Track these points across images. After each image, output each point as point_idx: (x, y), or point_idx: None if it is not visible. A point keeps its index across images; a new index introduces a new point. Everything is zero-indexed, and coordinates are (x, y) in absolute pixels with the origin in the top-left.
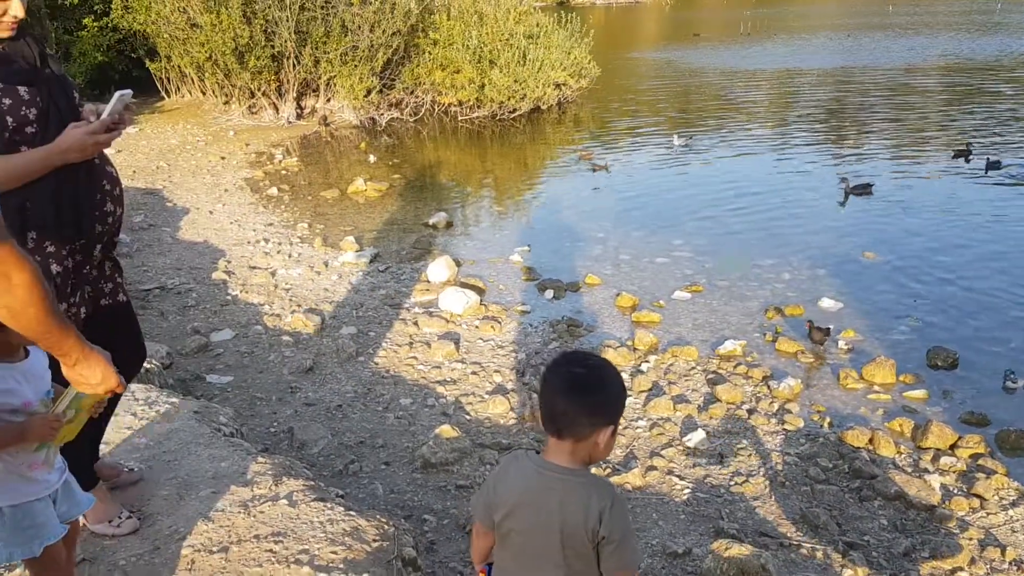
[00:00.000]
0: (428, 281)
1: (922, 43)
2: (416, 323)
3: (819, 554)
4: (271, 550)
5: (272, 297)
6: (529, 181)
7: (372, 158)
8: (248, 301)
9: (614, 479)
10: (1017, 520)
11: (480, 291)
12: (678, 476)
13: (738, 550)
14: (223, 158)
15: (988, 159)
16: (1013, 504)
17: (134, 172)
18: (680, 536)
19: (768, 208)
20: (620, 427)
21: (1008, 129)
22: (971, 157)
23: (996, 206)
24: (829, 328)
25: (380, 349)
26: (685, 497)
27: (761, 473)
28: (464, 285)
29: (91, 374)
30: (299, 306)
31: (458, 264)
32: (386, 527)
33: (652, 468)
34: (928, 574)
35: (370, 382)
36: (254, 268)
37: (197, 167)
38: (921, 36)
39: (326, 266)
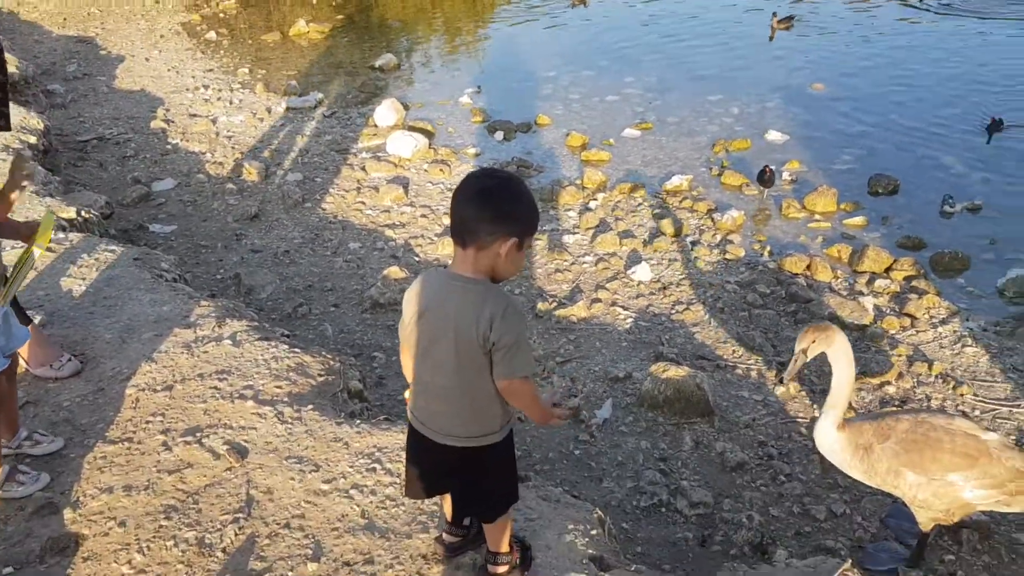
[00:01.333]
0: (375, 125)
1: None
2: (364, 168)
3: (753, 373)
4: (215, 387)
5: (214, 145)
6: (480, 20)
7: None
8: (189, 150)
9: (559, 312)
10: (945, 337)
11: (429, 134)
12: (622, 307)
13: (675, 372)
14: (157, 1)
15: None
16: (943, 322)
17: (64, 20)
18: (621, 362)
19: (720, 44)
20: (566, 263)
21: None
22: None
23: (942, 38)
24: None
25: (327, 195)
26: (628, 326)
27: (701, 301)
28: (412, 128)
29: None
30: (242, 153)
31: (406, 107)
32: (332, 363)
33: (597, 300)
34: (857, 388)
35: (317, 227)
36: (194, 116)
37: (131, 12)
38: None
39: (269, 112)
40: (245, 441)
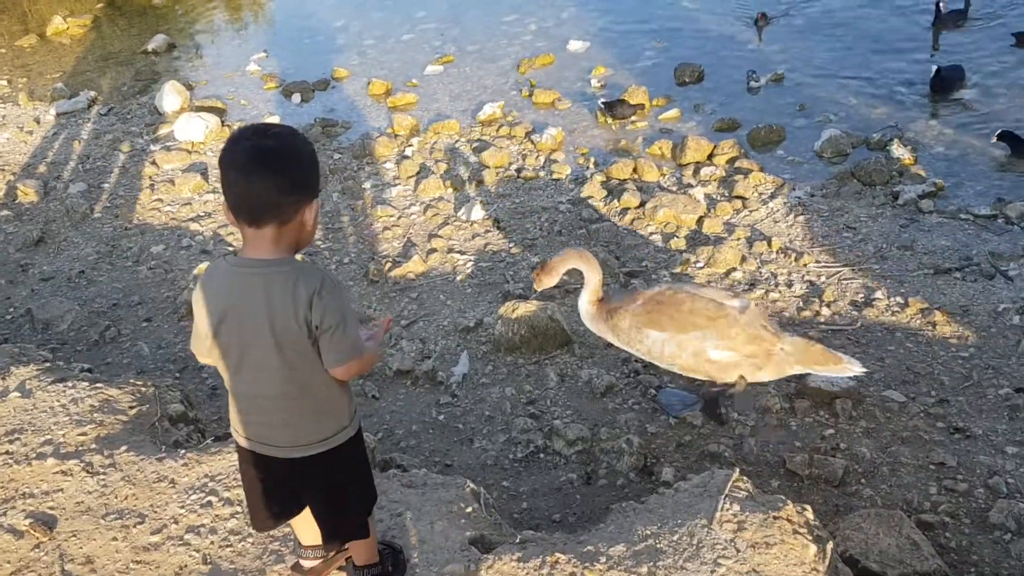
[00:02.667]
0: (159, 113)
1: None
2: (155, 162)
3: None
4: (6, 452)
5: None
6: None
7: None
8: None
9: (395, 272)
10: (777, 211)
11: (220, 112)
12: (459, 252)
13: (525, 308)
14: None
15: None
16: (771, 196)
17: None
18: (469, 310)
19: None
20: (393, 218)
21: None
22: None
23: None
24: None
25: (118, 200)
26: (469, 271)
27: (537, 228)
28: (201, 109)
29: None
30: (14, 175)
31: (190, 88)
32: (143, 390)
33: (432, 251)
34: (706, 281)
35: (113, 238)
36: None
37: None
38: None
39: (38, 123)
40: (51, 508)
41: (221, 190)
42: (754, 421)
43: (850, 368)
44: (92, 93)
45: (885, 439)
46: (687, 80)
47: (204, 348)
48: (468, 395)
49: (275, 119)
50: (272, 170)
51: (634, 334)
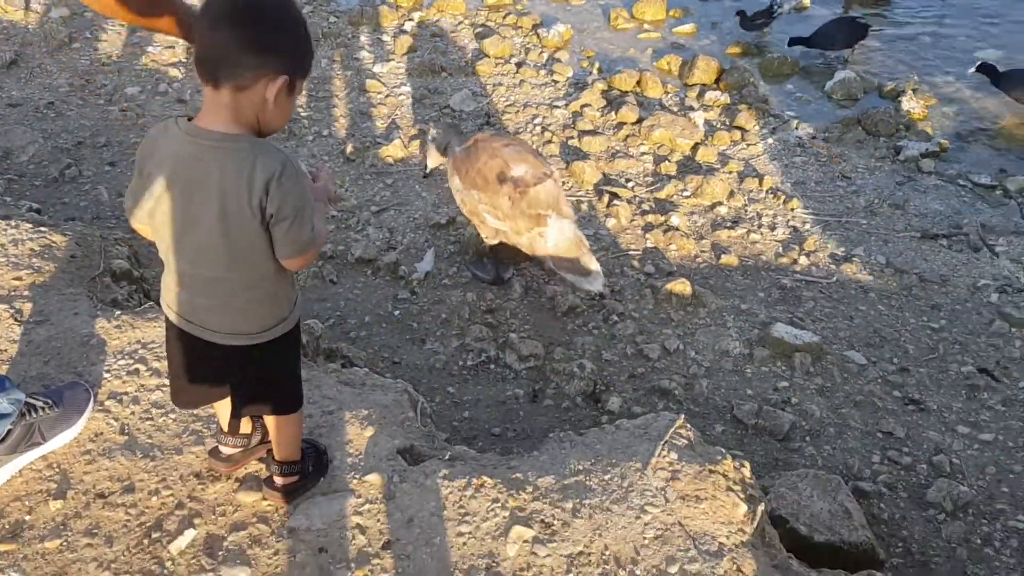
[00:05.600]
0: None
1: None
2: None
3: (583, 206)
4: None
5: None
6: None
7: None
8: None
9: (376, 152)
10: (774, 148)
11: None
12: None
13: None
14: None
15: None
16: (772, 132)
17: None
18: (444, 206)
19: None
20: (380, 96)
21: None
22: None
23: None
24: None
25: (100, 32)
26: None
27: (528, 129)
28: None
29: None
30: None
31: None
32: (90, 239)
33: (415, 137)
34: (689, 212)
35: (88, 72)
36: None
37: None
38: None
39: None
40: None
41: None
42: (709, 362)
43: (591, 283)
44: None
45: (838, 400)
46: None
47: (141, 213)
48: (428, 294)
49: None
50: (240, 24)
51: (449, 177)
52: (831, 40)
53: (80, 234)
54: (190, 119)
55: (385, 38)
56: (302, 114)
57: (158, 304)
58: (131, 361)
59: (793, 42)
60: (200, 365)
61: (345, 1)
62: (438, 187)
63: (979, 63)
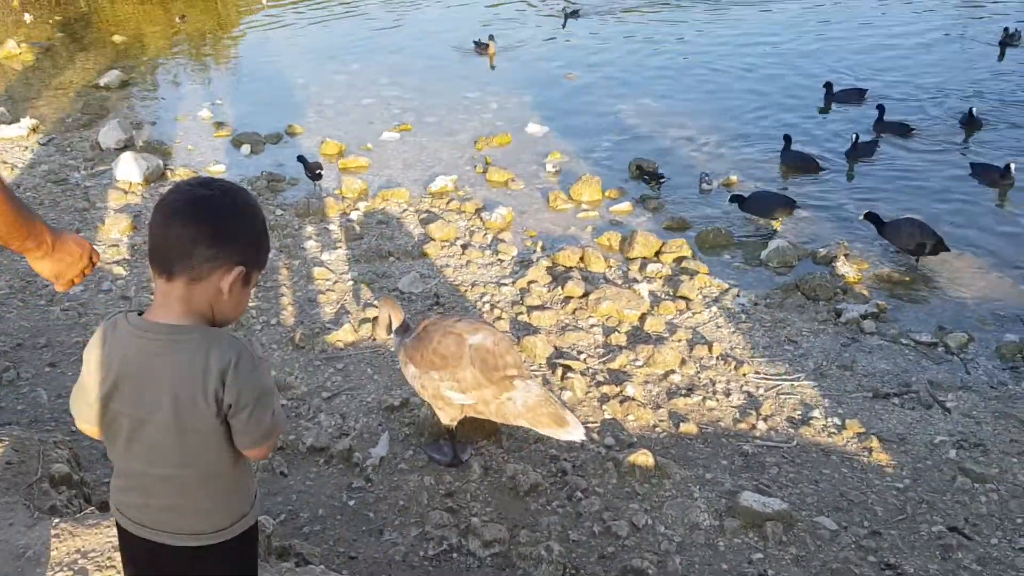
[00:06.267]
0: (101, 149)
1: None
2: (87, 198)
3: (538, 379)
4: None
5: None
6: (224, 32)
7: (28, 17)
8: None
9: (325, 338)
10: (720, 316)
11: (165, 154)
12: None
13: None
14: None
15: None
16: (715, 300)
17: None
18: (396, 388)
19: (464, 39)
20: (328, 283)
21: None
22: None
23: (695, 26)
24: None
25: None
26: None
27: (477, 307)
28: (145, 150)
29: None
30: None
31: (137, 127)
32: (27, 444)
33: (365, 320)
34: (643, 381)
35: (28, 273)
36: None
37: None
38: None
39: None
40: None
41: None
42: (680, 536)
43: (571, 434)
44: (34, 120)
45: (814, 568)
46: (642, 175)
47: (88, 414)
48: (384, 480)
49: (220, 168)
50: (194, 218)
51: (403, 367)
52: (766, 207)
53: (17, 439)
54: (140, 313)
55: (332, 227)
56: (251, 304)
57: (100, 509)
58: (71, 573)
59: (733, 199)
60: (153, 571)
61: (292, 194)
62: (390, 368)
63: (866, 212)
